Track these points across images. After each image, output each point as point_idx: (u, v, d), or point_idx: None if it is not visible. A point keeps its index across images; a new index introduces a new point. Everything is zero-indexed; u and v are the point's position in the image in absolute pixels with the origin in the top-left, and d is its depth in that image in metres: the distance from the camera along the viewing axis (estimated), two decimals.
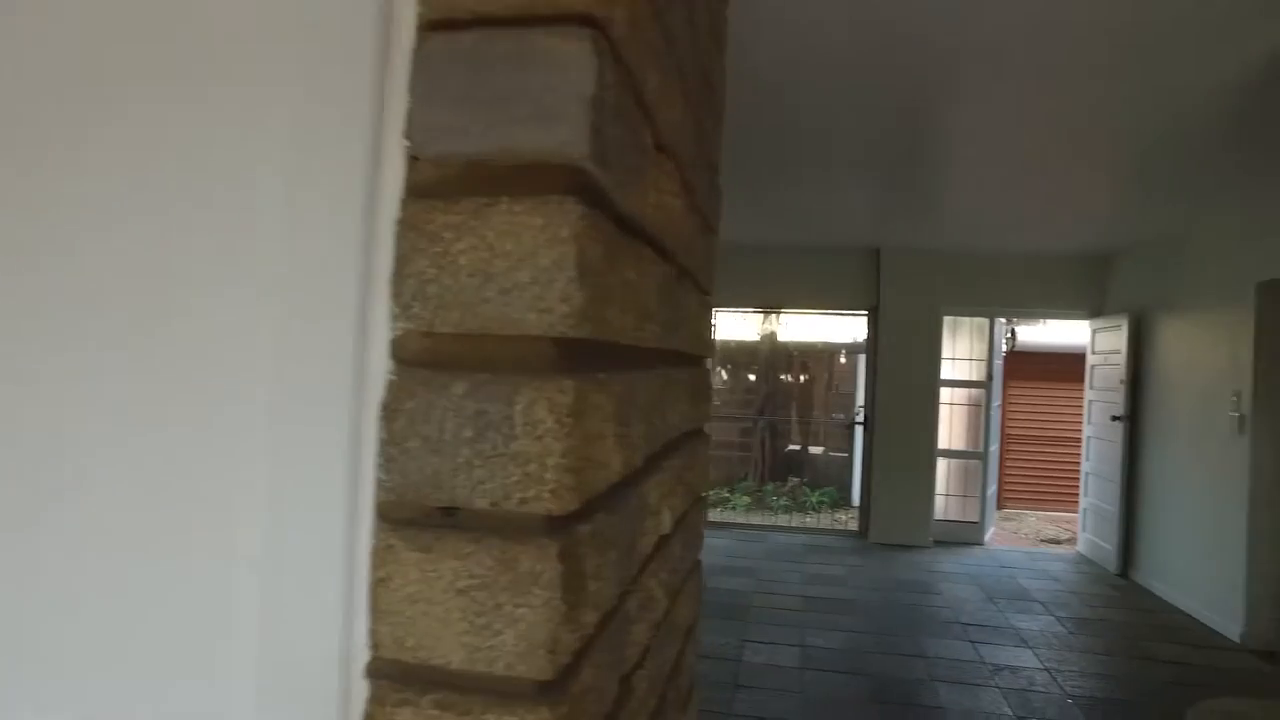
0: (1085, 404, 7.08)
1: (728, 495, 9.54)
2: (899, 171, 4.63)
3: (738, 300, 7.61)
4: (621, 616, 0.60)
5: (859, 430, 7.86)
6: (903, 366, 6.94)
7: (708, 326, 1.14)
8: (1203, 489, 5.15)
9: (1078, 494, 7.16)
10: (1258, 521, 4.62)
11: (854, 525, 7.50)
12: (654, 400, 0.71)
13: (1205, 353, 5.22)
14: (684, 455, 0.91)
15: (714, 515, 7.91)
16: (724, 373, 10.53)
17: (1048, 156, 4.29)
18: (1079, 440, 7.18)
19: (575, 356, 0.47)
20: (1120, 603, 5.41)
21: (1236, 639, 4.64)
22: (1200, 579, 5.11)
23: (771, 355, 10.33)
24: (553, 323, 0.45)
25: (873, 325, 7.16)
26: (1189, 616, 5.11)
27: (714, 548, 6.62)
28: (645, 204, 0.61)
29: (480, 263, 0.46)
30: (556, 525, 0.46)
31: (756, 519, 8.17)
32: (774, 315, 9.97)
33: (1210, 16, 2.49)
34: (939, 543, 6.97)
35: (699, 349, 1.04)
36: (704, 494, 1.13)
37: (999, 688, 3.89)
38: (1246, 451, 4.69)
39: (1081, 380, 7.16)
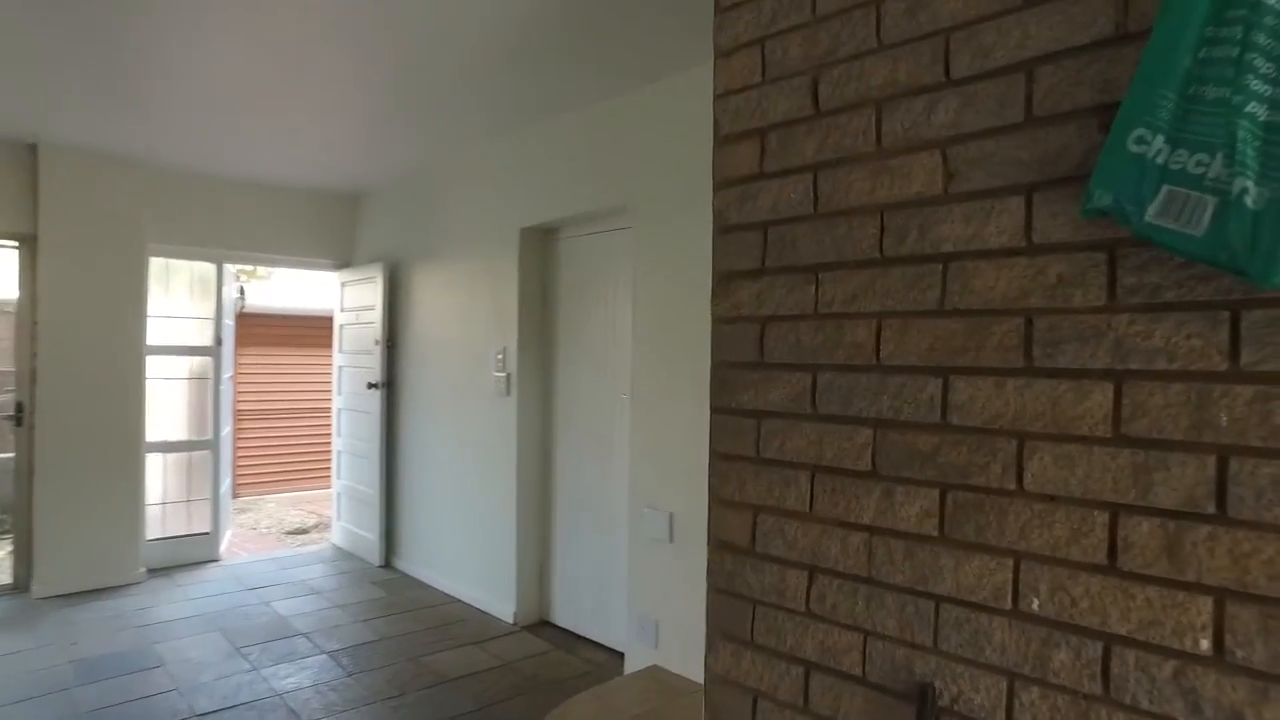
0: (335, 370, 6.07)
1: None
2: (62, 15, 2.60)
3: None
4: None
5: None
6: (85, 327, 4.65)
7: None
8: (470, 460, 4.67)
9: (314, 470, 6.13)
10: (523, 494, 4.32)
11: (10, 575, 4.84)
12: None
13: (471, 307, 4.70)
14: None
15: None
16: None
17: (279, 57, 3.01)
18: (316, 411, 6.17)
19: None
20: (393, 606, 4.56)
21: (511, 620, 4.26)
22: (472, 561, 4.63)
23: None
24: None
25: (29, 262, 4.61)
26: (465, 605, 4.57)
27: None
28: None
29: None
30: None
31: None
32: None
33: None
34: (156, 572, 5.01)
35: None
36: None
37: None
38: (513, 415, 4.33)
39: (321, 346, 6.14)
